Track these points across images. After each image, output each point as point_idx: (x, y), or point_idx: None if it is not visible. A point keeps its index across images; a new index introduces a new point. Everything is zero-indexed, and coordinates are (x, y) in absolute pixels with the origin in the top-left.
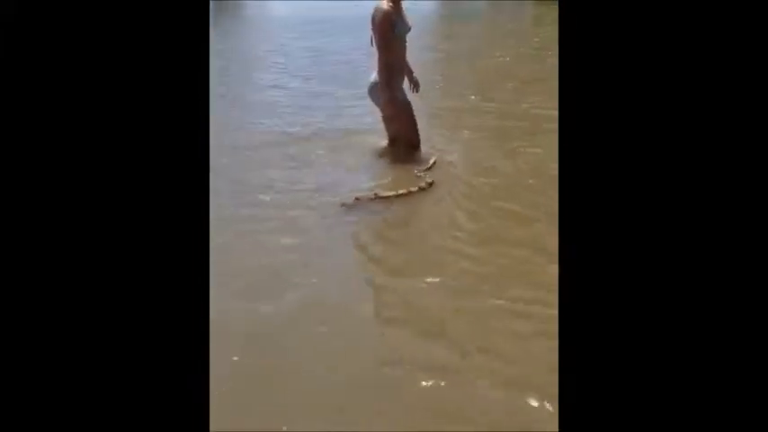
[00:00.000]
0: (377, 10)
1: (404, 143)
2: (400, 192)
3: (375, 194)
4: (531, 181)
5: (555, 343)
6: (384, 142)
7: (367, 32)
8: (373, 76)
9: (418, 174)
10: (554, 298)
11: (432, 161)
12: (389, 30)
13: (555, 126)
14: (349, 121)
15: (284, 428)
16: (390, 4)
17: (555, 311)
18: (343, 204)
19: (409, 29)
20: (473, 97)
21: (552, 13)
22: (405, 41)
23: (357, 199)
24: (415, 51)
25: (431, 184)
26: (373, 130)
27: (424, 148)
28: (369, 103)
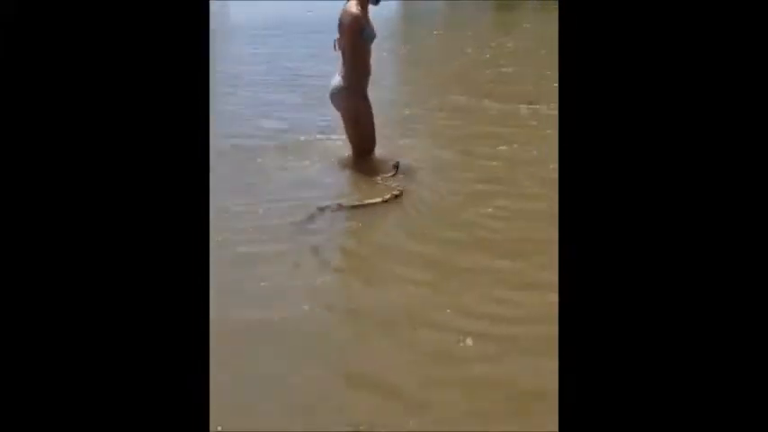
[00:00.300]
0: (345, 14)
1: (363, 148)
2: (386, 197)
3: (359, 201)
4: (490, 191)
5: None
6: (345, 148)
7: (321, 36)
8: (336, 80)
9: (383, 183)
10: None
11: (393, 170)
12: (358, 33)
13: (515, 131)
14: (308, 128)
15: (284, 428)
16: (359, 8)
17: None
18: (322, 209)
19: (375, 35)
20: (432, 102)
21: (508, 13)
22: (370, 46)
23: (340, 205)
24: (376, 55)
25: (400, 194)
26: (334, 136)
27: (385, 155)
28: (329, 109)
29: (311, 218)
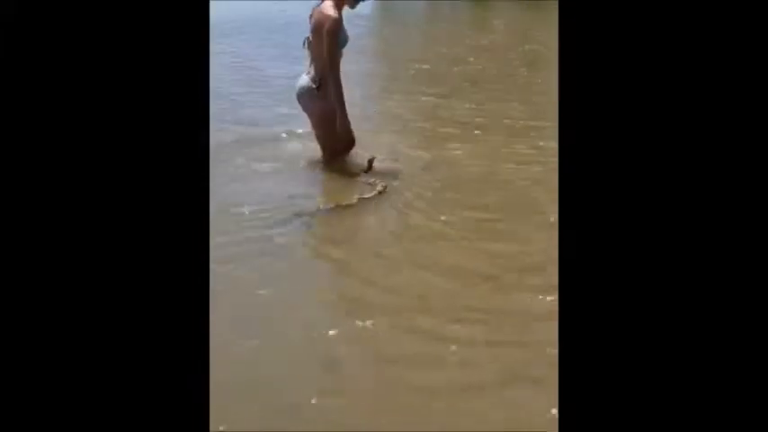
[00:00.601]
0: (323, 16)
1: (337, 148)
2: (379, 189)
3: (357, 199)
4: (459, 198)
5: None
6: (316, 148)
7: (288, 38)
8: (304, 80)
9: (366, 181)
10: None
11: (368, 165)
12: (336, 37)
13: (489, 131)
14: (276, 129)
15: (285, 428)
16: (336, 10)
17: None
18: (318, 209)
19: (348, 39)
20: (406, 101)
21: (483, 10)
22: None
23: (336, 206)
24: (350, 53)
25: (384, 189)
26: (304, 137)
27: (356, 153)
28: (295, 110)
29: (303, 223)
